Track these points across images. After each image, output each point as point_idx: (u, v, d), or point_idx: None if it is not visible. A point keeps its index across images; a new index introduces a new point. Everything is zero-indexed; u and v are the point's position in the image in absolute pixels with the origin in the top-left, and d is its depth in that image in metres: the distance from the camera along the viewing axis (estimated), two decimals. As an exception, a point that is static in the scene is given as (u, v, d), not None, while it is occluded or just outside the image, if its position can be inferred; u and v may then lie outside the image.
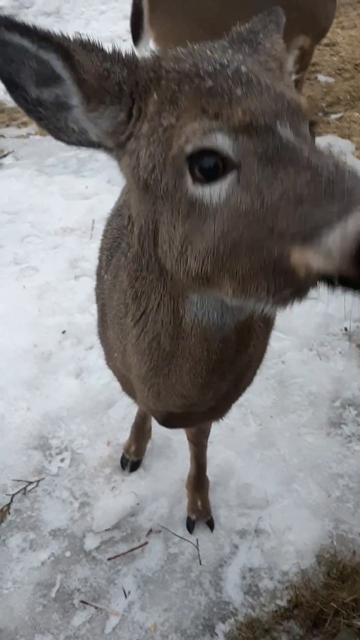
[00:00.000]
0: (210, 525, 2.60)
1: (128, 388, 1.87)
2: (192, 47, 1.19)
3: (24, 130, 5.89)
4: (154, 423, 2.69)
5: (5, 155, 5.40)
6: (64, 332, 3.49)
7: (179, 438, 2.88)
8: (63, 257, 4.07)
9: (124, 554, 2.51)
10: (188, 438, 2.52)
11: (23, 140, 5.69)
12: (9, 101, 6.52)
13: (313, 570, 2.48)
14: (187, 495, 2.67)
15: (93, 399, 3.13)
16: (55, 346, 3.41)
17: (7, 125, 6.00)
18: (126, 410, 3.05)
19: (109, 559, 2.50)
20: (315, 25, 4.66)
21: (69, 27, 8.42)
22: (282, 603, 2.39)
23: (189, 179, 1.05)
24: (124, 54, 1.14)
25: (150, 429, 2.85)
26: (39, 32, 1.03)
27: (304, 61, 4.78)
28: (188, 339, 1.30)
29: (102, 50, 1.11)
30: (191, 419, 1.89)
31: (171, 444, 2.93)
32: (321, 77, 6.65)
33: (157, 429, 2.87)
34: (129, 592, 2.42)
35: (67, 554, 2.52)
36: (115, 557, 2.50)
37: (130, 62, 1.13)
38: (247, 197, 1.00)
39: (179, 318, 1.28)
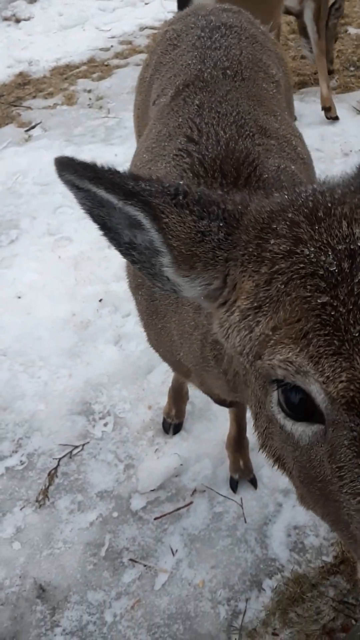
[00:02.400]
0: (254, 483, 2.63)
1: (181, 370, 1.85)
2: (329, 201, 0.91)
3: (50, 101, 5.87)
4: (191, 386, 2.71)
5: (33, 127, 5.40)
6: (100, 300, 3.52)
7: (219, 401, 2.90)
8: (96, 226, 4.07)
9: (169, 513, 2.56)
10: None
11: (50, 111, 5.68)
12: (34, 72, 6.51)
13: (358, 527, 2.48)
14: (228, 456, 2.69)
15: (132, 364, 3.17)
16: (93, 315, 3.44)
17: (34, 97, 5.98)
18: (165, 375, 3.07)
19: (155, 519, 2.55)
20: None
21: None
22: (328, 559, 2.42)
23: (274, 398, 0.92)
24: (225, 206, 0.96)
25: (187, 392, 2.87)
26: (125, 187, 0.91)
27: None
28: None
29: (199, 202, 0.95)
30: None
31: (211, 407, 2.95)
32: (352, 30, 6.42)
33: (196, 393, 2.89)
34: (176, 551, 2.47)
35: (115, 514, 2.59)
36: (161, 516, 2.55)
37: (232, 217, 0.96)
38: (328, 466, 0.86)
39: None
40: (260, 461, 2.72)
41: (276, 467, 1.06)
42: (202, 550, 2.47)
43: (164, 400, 2.93)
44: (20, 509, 2.62)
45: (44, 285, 3.61)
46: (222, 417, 2.84)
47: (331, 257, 0.85)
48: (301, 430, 0.90)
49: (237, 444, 2.65)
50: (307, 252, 0.87)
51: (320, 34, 4.76)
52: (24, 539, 2.53)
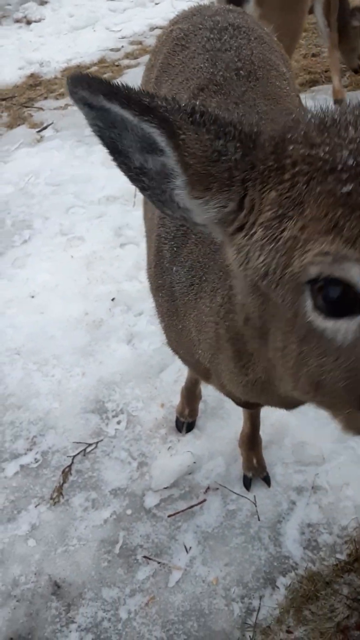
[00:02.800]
0: (267, 480, 2.63)
1: (201, 370, 1.83)
2: (335, 114, 0.95)
3: (62, 102, 5.90)
4: (204, 385, 2.70)
5: (45, 128, 5.43)
6: (113, 299, 3.53)
7: (232, 399, 2.90)
8: (107, 226, 4.10)
9: (183, 511, 2.57)
10: None
11: (62, 112, 5.71)
12: (45, 73, 6.55)
13: (372, 525, 2.48)
14: (241, 454, 2.69)
15: (145, 363, 3.18)
16: (106, 314, 3.46)
17: (46, 98, 6.02)
18: (178, 373, 3.08)
19: (169, 516, 2.56)
20: None
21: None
22: (342, 557, 2.41)
23: (309, 303, 0.90)
24: (242, 127, 0.95)
25: (200, 391, 2.88)
26: (142, 103, 0.89)
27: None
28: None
29: (216, 122, 0.94)
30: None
31: (224, 405, 2.96)
32: (363, 27, 6.37)
33: (209, 391, 2.90)
34: (190, 548, 2.48)
35: (128, 511, 2.60)
36: (175, 514, 2.56)
37: (248, 137, 0.95)
38: None
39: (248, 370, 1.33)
40: (273, 459, 2.72)
41: (316, 397, 1.03)
42: (215, 548, 2.47)
43: (176, 399, 2.94)
44: (35, 507, 2.64)
45: (57, 285, 3.64)
46: (235, 416, 2.85)
47: (346, 154, 0.87)
48: (345, 326, 0.88)
49: (251, 442, 2.65)
50: (323, 153, 0.88)
51: (331, 27, 4.83)
52: (39, 536, 2.55)
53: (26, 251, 3.99)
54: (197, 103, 0.96)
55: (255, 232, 0.94)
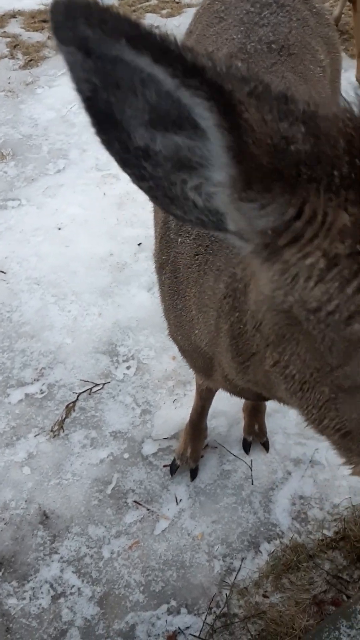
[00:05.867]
0: (266, 446, 2.62)
1: (200, 363, 1.66)
2: None
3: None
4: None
5: (95, 57, 5.26)
6: (139, 244, 3.48)
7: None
8: (90, 119, 4.00)
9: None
10: None
11: (114, 43, 5.51)
12: (103, 1, 6.29)
13: (364, 508, 2.48)
14: (243, 418, 2.68)
15: (162, 314, 3.14)
16: (131, 258, 3.41)
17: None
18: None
19: (164, 466, 2.58)
20: None
21: None
22: (329, 533, 2.42)
23: None
24: (304, 107, 0.64)
25: (206, 428, 2.61)
26: (184, 59, 0.54)
27: None
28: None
29: (279, 99, 0.62)
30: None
31: (235, 367, 2.93)
32: None
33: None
34: (180, 500, 2.50)
35: (125, 455, 2.62)
36: (170, 465, 2.58)
37: (312, 120, 0.64)
38: None
39: None
40: (275, 428, 2.71)
41: (336, 441, 0.89)
42: (205, 504, 2.49)
43: (189, 353, 2.91)
44: (35, 436, 2.66)
45: (86, 221, 3.58)
46: (245, 379, 2.82)
47: None
48: None
49: (255, 408, 2.63)
50: None
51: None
52: (35, 465, 2.58)
53: (59, 181, 3.92)
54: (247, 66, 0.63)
55: (312, 255, 0.67)
